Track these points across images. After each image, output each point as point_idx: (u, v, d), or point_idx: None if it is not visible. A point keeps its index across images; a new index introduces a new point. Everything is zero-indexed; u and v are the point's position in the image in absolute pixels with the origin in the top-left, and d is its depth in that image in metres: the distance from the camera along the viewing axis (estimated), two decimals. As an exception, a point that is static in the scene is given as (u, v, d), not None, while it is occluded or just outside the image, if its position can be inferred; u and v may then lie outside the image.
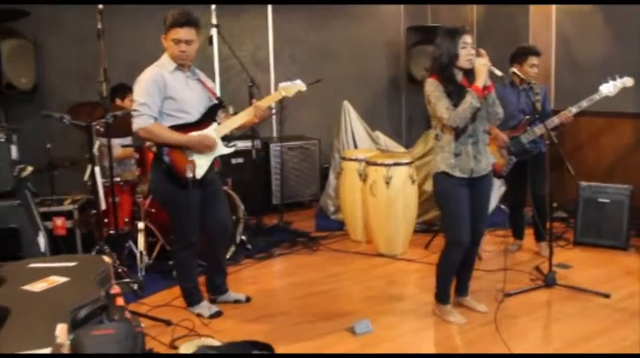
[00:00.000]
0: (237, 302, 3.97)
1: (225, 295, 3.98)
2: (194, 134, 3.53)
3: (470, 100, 3.36)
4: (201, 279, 3.96)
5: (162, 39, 3.50)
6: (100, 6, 3.91)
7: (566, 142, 5.83)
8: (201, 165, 3.56)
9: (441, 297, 3.73)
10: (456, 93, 3.43)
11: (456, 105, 3.39)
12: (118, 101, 4.96)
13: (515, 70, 4.44)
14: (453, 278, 3.73)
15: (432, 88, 3.47)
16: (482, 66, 3.40)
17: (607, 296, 3.95)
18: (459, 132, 3.46)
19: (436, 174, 3.55)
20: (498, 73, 3.50)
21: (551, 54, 6.15)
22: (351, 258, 5.01)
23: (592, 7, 5.70)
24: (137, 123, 3.42)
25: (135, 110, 3.43)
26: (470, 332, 3.52)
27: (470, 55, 3.43)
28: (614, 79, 4.41)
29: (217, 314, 3.76)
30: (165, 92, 3.44)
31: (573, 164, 3.99)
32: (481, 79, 3.39)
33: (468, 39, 3.44)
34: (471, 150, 3.49)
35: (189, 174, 3.46)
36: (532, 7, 6.25)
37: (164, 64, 3.51)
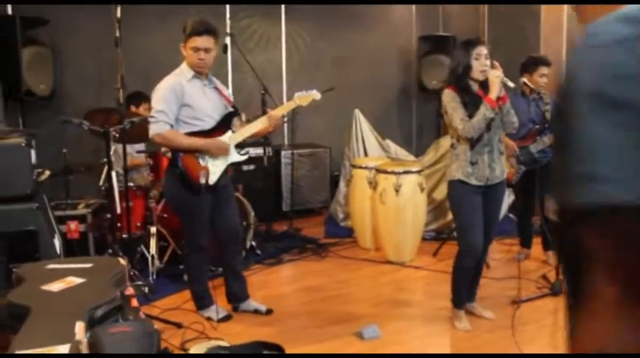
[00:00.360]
0: (257, 312, 3.96)
1: (246, 303, 3.98)
2: (208, 139, 3.62)
3: (483, 112, 3.42)
4: (214, 283, 4.02)
5: (182, 47, 3.60)
6: (119, 14, 4.00)
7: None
8: (214, 171, 3.64)
9: (457, 301, 3.78)
10: (471, 104, 3.49)
11: (471, 115, 3.46)
12: (133, 108, 5.04)
13: (525, 79, 4.50)
14: (467, 283, 3.77)
15: (449, 98, 3.54)
16: (496, 77, 3.46)
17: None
18: (474, 142, 3.52)
19: (452, 181, 3.61)
20: (511, 84, 3.57)
21: (563, 63, 6.18)
22: (359, 265, 5.06)
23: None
24: (153, 129, 3.52)
25: (152, 116, 3.53)
26: (477, 339, 3.57)
27: (483, 66, 3.49)
28: None
29: (227, 318, 3.82)
30: (183, 100, 3.54)
31: None
32: (495, 91, 3.44)
33: (482, 50, 3.51)
34: (487, 158, 3.55)
35: (202, 180, 3.54)
36: (543, 16, 6.29)
37: (182, 73, 3.61)
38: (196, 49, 3.53)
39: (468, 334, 3.63)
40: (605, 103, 0.90)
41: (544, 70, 4.72)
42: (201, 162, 3.61)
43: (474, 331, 3.66)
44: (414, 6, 7.81)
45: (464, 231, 3.63)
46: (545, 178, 4.76)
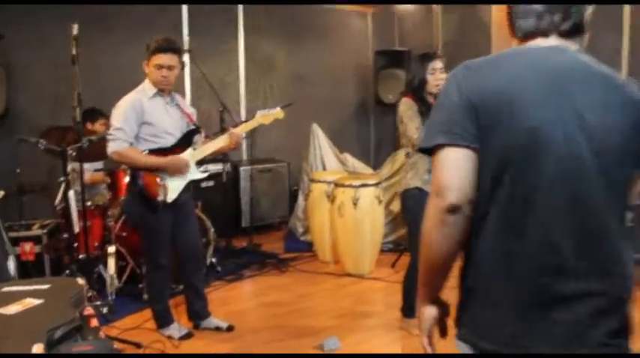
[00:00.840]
0: (218, 329, 3.95)
1: (207, 320, 3.97)
2: (167, 157, 3.63)
3: None
4: (175, 301, 4.01)
5: (144, 65, 3.60)
6: (75, 31, 3.98)
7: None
8: (173, 189, 3.64)
9: (408, 312, 3.85)
10: (427, 114, 3.59)
11: None
12: (89, 125, 4.99)
13: None
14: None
15: (406, 107, 3.62)
16: None
17: None
18: None
19: (407, 190, 3.67)
20: None
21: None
22: (319, 278, 5.10)
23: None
24: (112, 147, 3.52)
25: (110, 134, 3.52)
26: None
27: (438, 80, 3.60)
28: None
29: (188, 336, 3.80)
30: (143, 118, 3.54)
31: None
32: None
33: (437, 64, 3.62)
34: None
35: (161, 198, 3.54)
36: (494, 31, 6.49)
37: (144, 90, 3.62)
38: (160, 67, 3.55)
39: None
40: None
41: None
42: (160, 179, 3.61)
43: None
44: (370, 21, 7.98)
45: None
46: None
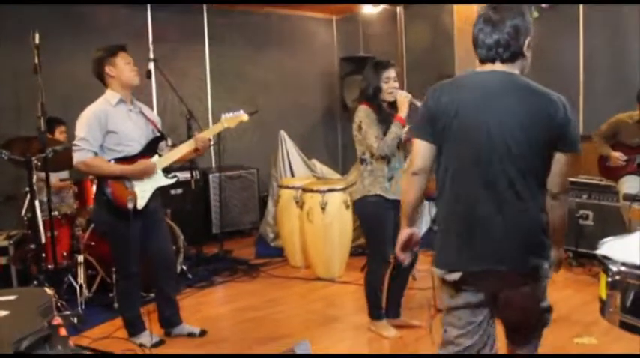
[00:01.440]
0: (190, 335, 3.95)
1: (179, 327, 3.97)
2: (134, 164, 3.63)
3: (395, 130, 3.60)
4: (146, 309, 4.01)
5: (108, 70, 3.60)
6: (37, 40, 3.96)
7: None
8: (142, 196, 3.65)
9: (375, 314, 3.90)
10: (383, 122, 3.66)
11: (384, 132, 3.62)
12: (49, 134, 4.94)
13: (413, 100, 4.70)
14: (383, 294, 3.91)
15: (364, 114, 3.68)
16: (405, 98, 3.65)
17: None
18: (390, 158, 3.68)
19: (367, 197, 3.72)
20: (419, 104, 3.74)
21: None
22: (290, 283, 5.14)
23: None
24: (77, 157, 3.50)
25: (75, 144, 3.51)
26: (404, 347, 3.71)
27: (392, 88, 3.68)
28: None
29: (160, 343, 3.80)
30: (107, 127, 3.54)
31: None
32: (404, 110, 3.63)
33: (391, 73, 3.70)
34: (401, 173, 3.72)
35: (130, 206, 3.54)
36: (456, 39, 6.63)
37: (107, 99, 3.62)
38: (129, 62, 3.63)
39: (396, 342, 3.77)
40: None
41: None
42: (128, 187, 3.61)
43: (401, 339, 3.80)
44: (335, 29, 8.08)
45: (380, 244, 3.75)
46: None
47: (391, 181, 3.70)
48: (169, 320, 3.96)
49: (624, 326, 2.01)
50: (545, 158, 2.16)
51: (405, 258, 2.51)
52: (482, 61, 2.23)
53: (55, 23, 5.64)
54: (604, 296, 2.06)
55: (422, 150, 2.29)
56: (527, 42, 2.17)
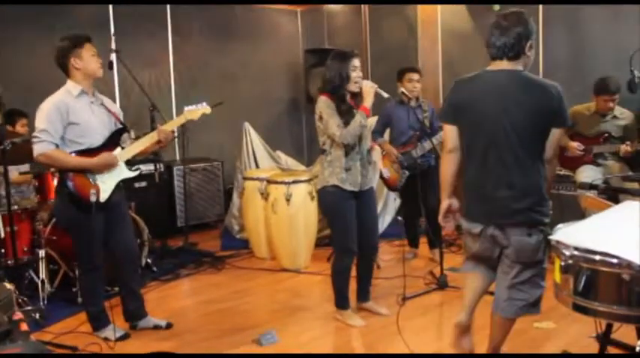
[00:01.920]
0: (156, 327, 3.94)
1: (144, 320, 3.95)
2: (96, 157, 3.58)
3: (359, 119, 3.63)
4: (110, 303, 3.98)
5: (74, 62, 3.54)
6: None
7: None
8: (104, 189, 3.61)
9: (341, 303, 3.96)
10: (346, 113, 3.69)
11: (346, 123, 3.65)
12: (9, 127, 4.85)
13: (403, 89, 4.77)
14: (348, 284, 3.96)
15: (325, 105, 3.70)
16: (370, 88, 3.69)
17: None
18: (349, 149, 3.72)
19: (325, 187, 3.77)
20: (385, 94, 3.80)
21: (439, 74, 6.63)
22: (256, 274, 5.16)
23: (473, 30, 6.22)
24: (37, 149, 3.44)
25: (35, 136, 3.45)
26: (370, 335, 3.77)
27: (358, 77, 3.71)
28: None
29: (125, 337, 3.78)
30: (68, 118, 3.48)
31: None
32: (369, 100, 3.67)
33: (357, 62, 3.73)
34: (359, 165, 3.77)
35: (93, 199, 3.50)
36: (420, 31, 6.72)
37: (69, 90, 3.56)
38: (94, 54, 3.59)
39: (361, 330, 3.83)
40: None
41: (412, 75, 5.06)
42: (90, 180, 3.57)
43: (367, 327, 3.86)
44: (299, 21, 8.08)
45: (343, 233, 3.81)
46: (427, 182, 5.06)
47: (348, 172, 3.74)
48: (134, 313, 3.94)
49: (577, 308, 2.09)
50: (544, 136, 2.72)
51: (448, 226, 3.01)
52: (493, 58, 2.79)
53: (14, 13, 5.51)
54: (558, 280, 2.14)
55: (451, 132, 2.89)
56: (528, 44, 2.72)
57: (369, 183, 3.90)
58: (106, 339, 3.72)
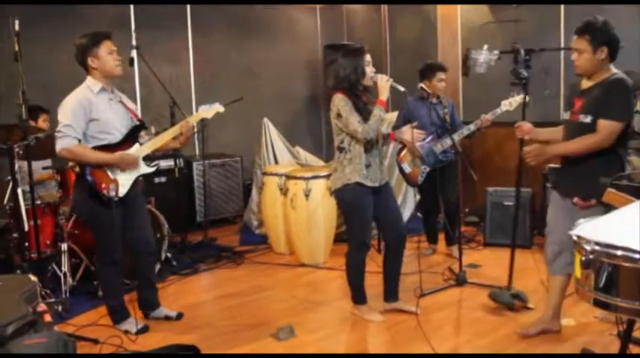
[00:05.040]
0: (167, 318, 4.02)
1: (157, 310, 4.04)
2: (116, 153, 3.63)
3: (378, 113, 3.63)
4: (130, 296, 4.03)
5: (91, 62, 3.59)
6: (17, 27, 3.93)
7: (475, 151, 6.25)
8: (123, 184, 3.66)
9: (358, 298, 3.96)
10: (363, 109, 3.69)
11: (364, 120, 3.65)
12: (32, 122, 4.92)
13: (422, 85, 4.73)
14: (364, 278, 3.95)
15: (343, 102, 3.70)
16: (385, 82, 3.68)
17: (509, 290, 4.30)
18: (369, 145, 3.72)
19: (347, 185, 3.76)
20: (401, 88, 3.78)
21: (458, 70, 6.58)
22: (274, 270, 5.18)
23: (493, 26, 6.17)
24: (60, 144, 3.49)
25: (59, 131, 3.50)
26: (388, 330, 3.77)
27: (372, 71, 3.71)
28: (512, 96, 4.76)
29: (144, 330, 3.82)
30: (90, 115, 3.54)
31: (482, 171, 4.19)
32: (385, 94, 3.67)
33: (368, 57, 3.73)
34: (378, 161, 3.78)
35: (112, 193, 3.56)
36: (440, 27, 6.68)
37: (89, 87, 3.61)
38: (112, 51, 3.62)
39: (379, 326, 3.82)
40: None
41: (442, 75, 5.02)
42: (110, 174, 3.63)
43: (384, 323, 3.85)
44: (319, 16, 8.07)
45: (361, 227, 3.81)
46: (447, 177, 5.03)
47: (368, 168, 3.74)
48: (149, 302, 4.03)
49: (598, 303, 2.07)
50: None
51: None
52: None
53: (36, 10, 5.58)
54: (578, 275, 2.12)
55: None
56: None
57: (386, 177, 3.93)
58: (126, 332, 3.77)
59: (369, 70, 3.70)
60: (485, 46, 4.01)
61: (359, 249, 3.85)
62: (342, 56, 3.76)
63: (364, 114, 3.68)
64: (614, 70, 3.16)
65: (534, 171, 5.84)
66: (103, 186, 3.57)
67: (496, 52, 4.14)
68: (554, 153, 3.32)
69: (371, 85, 3.73)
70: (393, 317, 3.94)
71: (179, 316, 4.06)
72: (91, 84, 3.62)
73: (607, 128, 3.06)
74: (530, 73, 3.77)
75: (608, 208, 2.65)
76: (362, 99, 3.74)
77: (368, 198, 3.77)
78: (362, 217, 3.79)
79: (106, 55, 3.59)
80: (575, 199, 3.18)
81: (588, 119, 3.14)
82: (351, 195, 3.77)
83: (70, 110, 3.51)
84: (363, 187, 3.74)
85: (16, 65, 3.91)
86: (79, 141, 3.53)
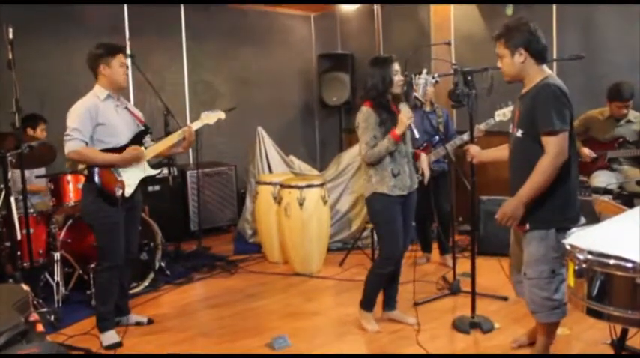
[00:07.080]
0: (138, 324, 4.09)
1: (127, 317, 4.10)
2: (123, 152, 3.77)
3: (387, 145, 3.65)
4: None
5: (103, 69, 3.74)
6: (11, 36, 3.93)
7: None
8: (129, 184, 3.80)
9: (366, 305, 3.94)
10: (389, 120, 3.71)
11: (386, 131, 3.66)
12: (30, 131, 4.92)
13: (416, 94, 4.73)
14: (381, 289, 3.96)
15: (364, 117, 3.71)
16: (407, 120, 3.68)
17: (505, 299, 4.31)
18: (394, 153, 3.73)
19: (374, 194, 3.75)
20: (416, 134, 3.79)
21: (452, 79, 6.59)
22: (268, 279, 5.17)
23: (486, 37, 6.20)
24: (69, 146, 3.62)
25: (67, 135, 3.63)
26: (382, 339, 3.76)
27: (400, 80, 3.74)
28: (502, 107, 4.78)
29: (116, 346, 3.75)
30: (97, 120, 3.69)
31: (477, 180, 4.16)
32: (401, 129, 3.67)
33: (397, 66, 3.74)
34: (407, 168, 3.78)
35: (119, 193, 3.68)
36: (433, 38, 6.71)
37: (96, 94, 3.77)
38: (123, 65, 3.79)
39: (373, 335, 3.82)
40: None
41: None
42: (117, 175, 3.76)
43: (379, 332, 3.85)
44: (312, 26, 8.11)
45: (392, 239, 3.77)
46: (441, 187, 5.04)
47: (397, 177, 3.73)
48: (119, 308, 4.04)
49: (591, 312, 2.07)
50: None
51: None
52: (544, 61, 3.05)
53: (30, 18, 5.58)
54: (571, 284, 2.12)
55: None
56: None
57: (415, 185, 3.89)
58: (101, 344, 3.75)
59: (397, 79, 3.71)
60: (425, 70, 4.10)
61: (387, 262, 3.82)
62: (371, 66, 3.78)
63: (388, 124, 3.69)
64: (546, 72, 3.00)
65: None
66: (111, 185, 3.71)
67: (436, 75, 4.22)
68: (524, 201, 2.96)
69: (400, 92, 3.76)
70: (388, 325, 3.93)
71: (150, 321, 4.14)
72: (98, 91, 3.78)
73: (553, 144, 2.87)
74: (473, 92, 3.74)
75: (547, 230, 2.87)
76: (390, 108, 3.75)
77: (397, 208, 3.75)
78: (391, 228, 3.75)
79: (118, 67, 3.77)
80: (514, 224, 3.07)
81: (519, 133, 3.04)
82: (380, 205, 3.75)
83: (77, 115, 3.66)
84: (390, 198, 3.72)
85: (10, 73, 3.91)
86: (87, 143, 3.67)
